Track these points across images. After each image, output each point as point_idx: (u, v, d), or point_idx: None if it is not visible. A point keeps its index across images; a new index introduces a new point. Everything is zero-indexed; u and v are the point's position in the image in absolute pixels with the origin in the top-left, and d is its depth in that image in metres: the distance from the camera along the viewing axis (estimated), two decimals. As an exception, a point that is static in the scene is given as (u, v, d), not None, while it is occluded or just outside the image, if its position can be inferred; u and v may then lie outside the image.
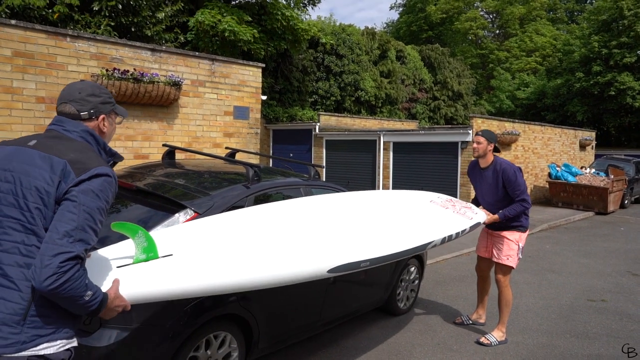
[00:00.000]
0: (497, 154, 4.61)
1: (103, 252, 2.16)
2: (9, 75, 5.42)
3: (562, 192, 15.31)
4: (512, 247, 4.51)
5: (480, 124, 13.44)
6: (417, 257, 5.45)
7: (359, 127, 18.82)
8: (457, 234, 3.68)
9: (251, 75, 7.84)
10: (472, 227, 3.96)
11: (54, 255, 1.55)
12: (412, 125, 21.68)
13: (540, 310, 5.57)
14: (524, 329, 5.00)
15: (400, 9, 46.33)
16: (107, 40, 6.24)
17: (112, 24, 11.45)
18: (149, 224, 3.13)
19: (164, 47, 6.78)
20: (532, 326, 5.08)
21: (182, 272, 2.12)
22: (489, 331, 4.72)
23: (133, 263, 2.09)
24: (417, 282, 5.56)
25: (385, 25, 48.28)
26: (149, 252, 2.12)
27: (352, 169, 16.01)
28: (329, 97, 21.09)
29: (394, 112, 24.06)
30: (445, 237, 3.49)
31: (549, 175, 15.60)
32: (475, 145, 4.53)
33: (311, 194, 4.20)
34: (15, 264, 1.63)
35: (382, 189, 15.13)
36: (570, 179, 15.10)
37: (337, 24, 23.37)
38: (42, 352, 1.63)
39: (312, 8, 18.24)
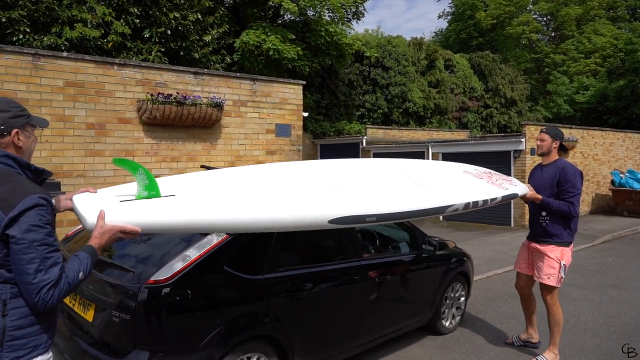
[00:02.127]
0: (563, 153, 4.36)
1: (108, 189, 2.31)
2: (61, 104, 5.74)
3: (627, 200, 14.38)
4: (553, 265, 4.20)
5: (533, 131, 12.90)
6: (462, 273, 5.26)
7: (407, 139, 18.56)
8: (485, 201, 3.48)
9: (292, 93, 7.91)
10: (506, 197, 3.74)
11: (37, 293, 1.72)
12: (462, 135, 21.15)
13: (599, 330, 5.19)
14: (581, 350, 4.68)
15: (449, 17, 45.60)
16: (152, 66, 6.50)
17: (162, 49, 11.96)
18: (183, 245, 3.18)
19: (205, 70, 6.98)
20: (589, 347, 4.74)
21: (187, 207, 2.20)
22: (541, 352, 4.44)
23: (136, 199, 2.18)
24: (463, 299, 5.34)
25: (433, 34, 47.67)
26: (151, 190, 2.19)
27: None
28: (376, 110, 20.98)
29: (443, 122, 23.60)
30: (469, 203, 3.29)
31: (612, 182, 14.72)
32: (538, 142, 4.33)
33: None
34: None
35: (432, 201, 14.78)
36: (636, 185, 14.16)
37: (384, 36, 23.30)
38: None
39: (356, 22, 18.33)
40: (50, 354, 1.92)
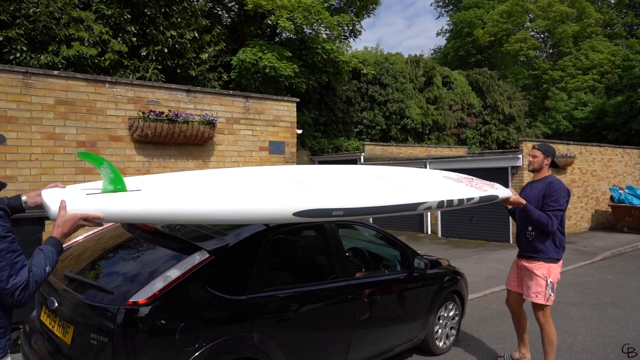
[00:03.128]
0: (555, 170, 4.35)
1: (78, 185, 2.45)
2: (51, 122, 5.73)
3: (627, 217, 14.28)
4: (540, 282, 4.15)
5: (530, 147, 12.86)
6: (456, 292, 5.18)
7: (405, 156, 18.55)
8: (461, 200, 3.51)
9: (286, 110, 7.90)
10: (485, 198, 3.78)
11: (10, 296, 1.91)
12: (461, 151, 21.14)
13: (597, 350, 5.08)
14: (577, 371, 4.57)
15: (447, 34, 46.03)
16: (144, 84, 6.50)
17: (159, 67, 12.01)
18: (164, 265, 3.11)
19: (198, 88, 6.98)
20: (586, 368, 4.64)
21: (152, 197, 2.36)
22: (536, 374, 4.34)
23: (101, 192, 2.28)
24: (457, 319, 5.24)
25: (432, 52, 48.04)
26: (116, 184, 2.29)
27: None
28: (374, 127, 21.01)
29: (442, 139, 23.61)
30: (443, 201, 3.34)
31: (611, 198, 14.64)
32: (530, 158, 4.30)
33: (337, 233, 4.06)
34: None
35: (430, 217, 14.73)
36: (635, 202, 14.08)
37: (381, 53, 23.45)
38: None
39: (353, 40, 18.45)
40: (9, 358, 2.08)
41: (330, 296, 3.78)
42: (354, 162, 17.20)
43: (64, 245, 2.15)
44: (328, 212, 2.69)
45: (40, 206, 2.28)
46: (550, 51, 42.44)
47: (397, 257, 4.67)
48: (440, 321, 5.00)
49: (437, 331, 4.96)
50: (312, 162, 18.24)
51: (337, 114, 19.57)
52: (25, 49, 10.27)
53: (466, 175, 4.35)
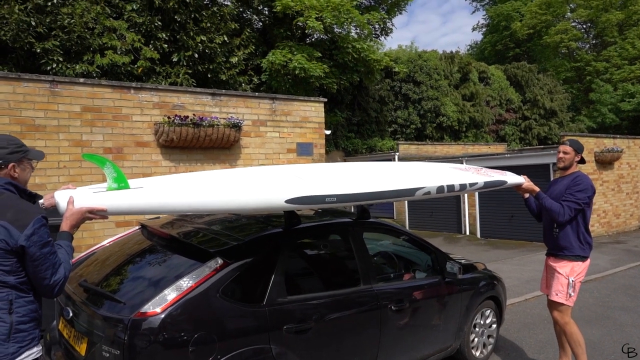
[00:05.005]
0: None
1: (88, 187, 2.68)
2: (78, 129, 5.76)
3: (682, 213, 13.42)
4: (561, 281, 4.01)
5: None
6: (493, 298, 4.88)
7: (441, 154, 18.09)
8: (463, 185, 3.45)
9: (313, 111, 7.75)
10: (490, 183, 3.76)
11: (52, 290, 2.25)
12: (500, 148, 20.47)
13: (650, 361, 4.68)
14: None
15: (484, 29, 44.88)
16: (168, 89, 6.48)
17: (189, 72, 12.09)
18: (178, 274, 3.00)
19: (223, 91, 6.91)
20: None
21: (153, 192, 2.60)
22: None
23: (107, 190, 2.49)
24: (494, 326, 4.94)
25: (468, 47, 46.95)
26: (120, 182, 2.50)
27: (436, 199, 15.25)
28: (409, 125, 20.61)
29: (480, 136, 22.95)
30: (443, 186, 3.33)
31: (664, 194, 13.79)
32: (561, 154, 4.06)
33: (361, 237, 3.86)
34: None
35: (468, 217, 14.27)
36: (691, 197, 13.21)
37: (415, 51, 23.01)
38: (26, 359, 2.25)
39: (385, 38, 18.17)
40: (41, 346, 2.38)
41: (355, 304, 3.57)
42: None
43: (88, 251, 2.68)
44: (320, 199, 2.75)
45: (55, 207, 2.49)
46: (594, 42, 40.71)
47: (428, 261, 4.42)
48: (476, 329, 4.71)
49: (473, 339, 4.68)
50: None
51: (371, 113, 19.30)
52: (61, 59, 10.53)
53: (477, 167, 4.30)
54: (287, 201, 2.66)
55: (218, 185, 2.85)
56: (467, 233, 14.36)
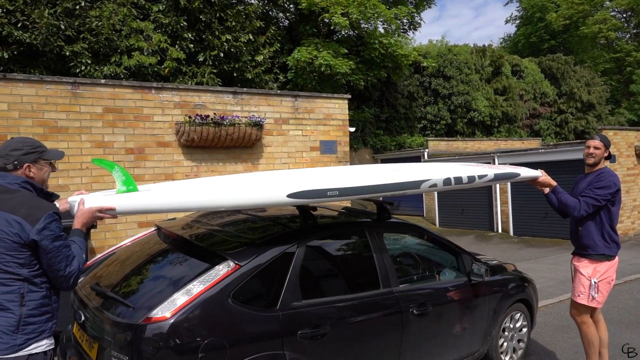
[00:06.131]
0: (607, 162, 3.93)
1: (101, 192, 2.85)
2: (100, 130, 5.78)
3: None
4: (583, 282, 3.91)
5: (612, 136, 11.72)
6: (523, 301, 4.63)
7: (472, 150, 17.63)
8: (471, 177, 3.40)
9: (337, 108, 7.59)
10: (501, 175, 3.73)
11: (67, 281, 2.37)
12: (534, 143, 19.83)
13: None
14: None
15: (517, 21, 43.68)
16: (190, 88, 6.44)
17: (215, 71, 12.12)
18: (188, 278, 2.91)
19: (244, 89, 6.83)
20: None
21: (163, 194, 2.73)
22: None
23: (117, 193, 2.63)
24: (525, 330, 4.69)
25: (501, 40, 45.80)
26: (129, 185, 2.63)
27: (466, 196, 14.88)
28: (439, 121, 20.20)
29: (513, 131, 22.30)
30: (450, 178, 3.29)
31: None
32: (592, 150, 3.89)
33: (381, 237, 3.69)
34: (2, 293, 2.27)
35: (501, 215, 13.84)
36: None
37: (446, 45, 22.53)
38: (33, 351, 2.31)
39: (413, 33, 17.82)
40: (52, 339, 2.44)
41: (374, 308, 3.41)
42: (417, 159, 16.57)
43: (104, 253, 2.99)
44: (322, 193, 2.77)
45: (68, 212, 2.66)
46: (635, 31, 39.06)
47: (453, 262, 4.21)
48: (506, 333, 4.48)
49: (502, 344, 4.45)
50: (374, 161, 17.79)
51: (399, 109, 18.99)
52: (89, 61, 10.71)
53: (491, 164, 4.24)
54: (289, 195, 2.68)
55: (223, 184, 2.97)
56: (500, 231, 13.93)
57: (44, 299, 2.37)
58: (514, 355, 4.57)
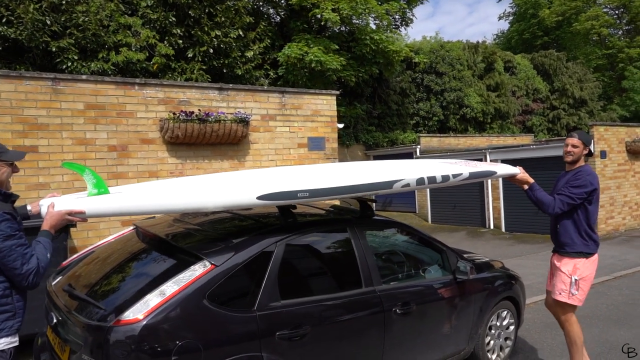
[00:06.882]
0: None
1: (72, 194, 2.80)
2: (82, 127, 5.67)
3: None
4: (564, 280, 3.89)
5: (602, 132, 11.71)
6: (510, 299, 4.59)
7: (464, 147, 17.61)
8: (445, 176, 3.42)
9: (325, 104, 7.51)
10: (476, 174, 3.73)
11: (26, 279, 2.41)
12: (526, 139, 19.84)
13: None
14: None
15: (510, 17, 43.67)
16: (174, 84, 6.34)
17: (205, 67, 11.98)
18: (162, 278, 2.83)
19: (230, 85, 6.73)
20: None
21: (133, 196, 2.74)
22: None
23: (88, 196, 2.64)
24: (512, 328, 4.65)
25: (495, 37, 45.79)
26: (100, 188, 2.65)
27: (459, 192, 14.85)
28: (431, 118, 20.16)
29: (505, 127, 22.30)
30: (423, 178, 3.32)
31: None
32: (570, 148, 3.90)
33: (364, 235, 3.62)
34: None
35: (493, 211, 13.83)
36: None
37: (438, 41, 22.46)
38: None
39: (405, 29, 17.73)
40: (17, 338, 2.52)
41: (356, 308, 3.34)
42: (410, 155, 16.51)
43: (80, 253, 3.12)
44: (292, 195, 2.80)
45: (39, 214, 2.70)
46: (627, 28, 39.16)
47: (438, 260, 4.15)
48: (492, 331, 4.44)
49: (489, 342, 4.41)
50: (367, 157, 17.73)
51: (392, 106, 18.92)
52: (76, 57, 10.53)
53: (470, 161, 4.25)
54: (260, 197, 2.72)
55: (194, 186, 2.96)
56: (492, 227, 13.92)
57: (2, 298, 2.41)
58: (500, 353, 4.53)
